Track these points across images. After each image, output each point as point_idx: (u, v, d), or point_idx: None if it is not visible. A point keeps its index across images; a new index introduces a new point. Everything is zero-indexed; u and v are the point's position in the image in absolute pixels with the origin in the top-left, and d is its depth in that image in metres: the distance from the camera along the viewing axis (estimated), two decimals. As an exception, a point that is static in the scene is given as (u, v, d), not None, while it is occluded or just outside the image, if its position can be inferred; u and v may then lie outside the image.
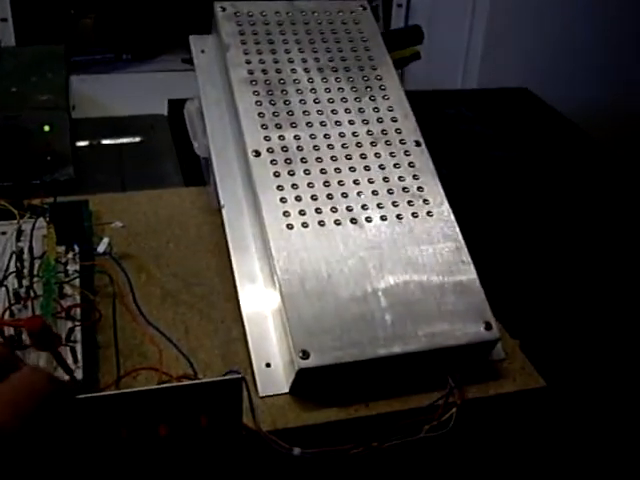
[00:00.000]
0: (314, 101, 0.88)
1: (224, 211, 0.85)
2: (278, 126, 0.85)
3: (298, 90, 0.89)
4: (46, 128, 1.13)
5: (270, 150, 0.83)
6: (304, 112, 0.87)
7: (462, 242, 0.81)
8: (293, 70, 0.91)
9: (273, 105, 0.87)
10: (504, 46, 1.97)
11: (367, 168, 0.84)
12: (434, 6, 2.05)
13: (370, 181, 0.83)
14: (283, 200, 0.80)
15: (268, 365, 0.76)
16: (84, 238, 0.87)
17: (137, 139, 1.27)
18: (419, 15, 2.07)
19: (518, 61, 1.94)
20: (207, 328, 0.82)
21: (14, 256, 0.80)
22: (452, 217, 0.83)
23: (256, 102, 0.87)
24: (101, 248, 0.84)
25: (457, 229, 0.82)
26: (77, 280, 0.82)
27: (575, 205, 1.16)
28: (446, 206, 0.83)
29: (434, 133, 0.96)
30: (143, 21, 2.06)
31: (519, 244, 1.05)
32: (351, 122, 0.87)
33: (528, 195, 1.18)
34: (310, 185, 0.82)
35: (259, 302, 0.80)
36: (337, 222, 0.80)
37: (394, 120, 0.88)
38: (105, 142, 1.26)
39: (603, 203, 1.18)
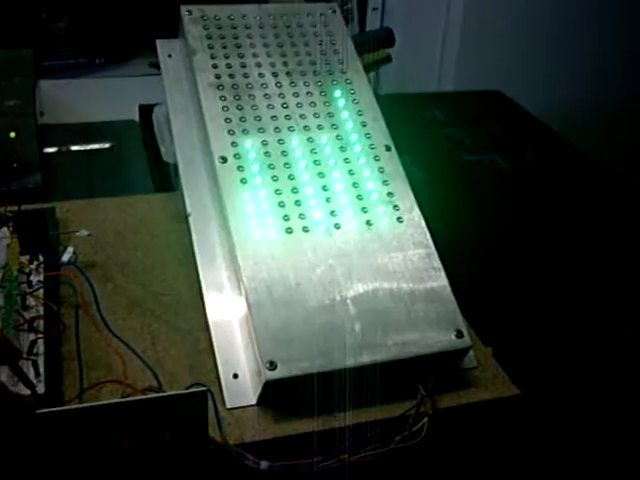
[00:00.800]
0: (282, 106, 0.87)
1: (190, 219, 0.83)
2: (245, 132, 0.84)
3: (266, 95, 0.87)
4: (12, 134, 1.11)
5: (237, 156, 0.82)
6: (272, 117, 0.85)
7: (433, 248, 0.80)
8: (261, 74, 0.89)
9: (240, 110, 0.85)
10: (479, 49, 1.97)
11: (336, 174, 0.82)
12: (409, 10, 2.04)
13: (339, 187, 0.81)
14: (250, 207, 0.78)
15: (235, 376, 0.74)
16: (49, 247, 0.86)
17: (107, 145, 1.25)
18: (395, 19, 2.06)
19: (493, 64, 1.93)
20: (174, 338, 0.81)
21: (-25, 267, 0.78)
22: (423, 223, 0.81)
23: (223, 107, 0.85)
24: (65, 257, 0.82)
25: (428, 235, 0.81)
26: (41, 291, 0.80)
27: (547, 209, 1.15)
28: (417, 212, 0.82)
29: (407, 136, 0.94)
30: (116, 24, 2.04)
31: (492, 249, 1.03)
32: (320, 127, 0.86)
33: (499, 199, 1.16)
34: (278, 192, 0.80)
35: (226, 311, 0.78)
36: (305, 229, 0.78)
37: (363, 124, 0.87)
38: (74, 148, 1.24)
39: (576, 206, 1.17)
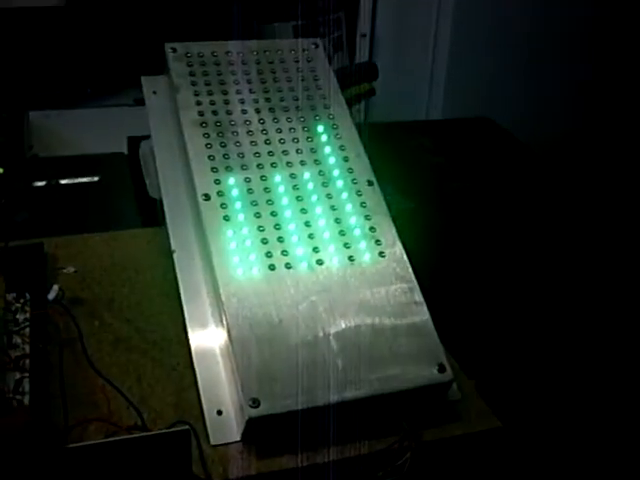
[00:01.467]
0: (265, 142, 0.88)
1: (175, 256, 0.84)
2: (229, 169, 0.84)
3: (249, 131, 0.88)
4: (0, 170, 1.12)
5: (220, 194, 0.82)
6: (255, 154, 0.86)
7: (415, 282, 0.81)
8: (244, 111, 0.90)
9: (224, 147, 0.86)
10: (468, 76, 1.98)
11: (319, 210, 0.83)
12: (398, 36, 2.05)
13: (321, 223, 0.82)
14: (233, 245, 0.79)
15: (220, 412, 0.75)
16: (36, 285, 0.86)
17: (96, 178, 1.26)
18: (383, 45, 2.07)
19: (482, 91, 1.95)
20: (159, 375, 0.81)
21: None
22: (405, 257, 0.82)
23: (206, 145, 0.86)
24: (51, 295, 0.83)
25: (410, 269, 0.82)
26: (27, 329, 0.80)
27: (534, 238, 1.15)
28: (399, 246, 0.83)
29: (394, 165, 0.95)
30: (106, 54, 2.04)
31: (476, 281, 1.04)
32: (303, 163, 0.87)
33: (485, 229, 1.17)
34: (261, 228, 0.81)
35: (210, 348, 0.79)
36: (288, 266, 0.79)
37: (346, 159, 0.88)
38: (63, 182, 1.24)
39: (563, 235, 1.17)
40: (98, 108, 2.02)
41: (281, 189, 0.84)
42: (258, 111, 0.90)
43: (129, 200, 1.21)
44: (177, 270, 0.83)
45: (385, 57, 2.07)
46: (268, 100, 0.92)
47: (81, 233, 1.05)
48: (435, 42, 2.00)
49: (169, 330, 0.86)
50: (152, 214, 1.00)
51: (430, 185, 1.28)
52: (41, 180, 1.25)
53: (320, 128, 0.90)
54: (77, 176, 1.27)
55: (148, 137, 0.94)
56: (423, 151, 1.40)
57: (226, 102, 0.90)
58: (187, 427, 0.66)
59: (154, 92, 0.95)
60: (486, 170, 1.36)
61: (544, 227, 1.20)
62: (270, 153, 0.87)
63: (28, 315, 0.82)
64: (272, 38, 1.03)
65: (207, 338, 0.79)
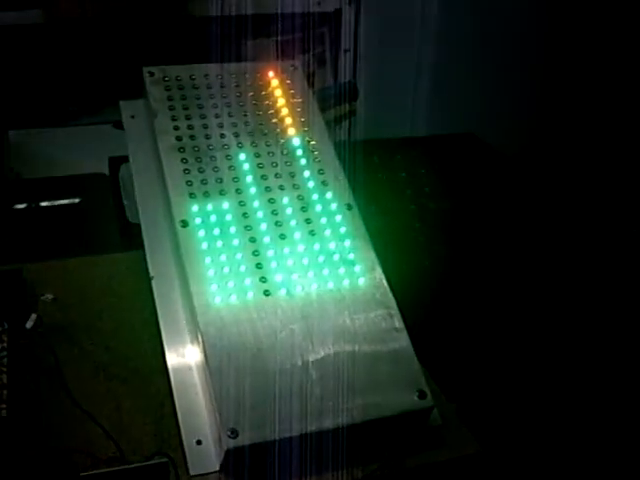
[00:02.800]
0: (243, 167, 0.87)
1: (154, 283, 0.83)
2: (206, 194, 0.84)
3: (227, 156, 0.88)
4: (-21, 195, 1.11)
5: (198, 220, 0.82)
6: (233, 179, 0.86)
7: (395, 308, 0.80)
8: (222, 135, 0.89)
9: (201, 173, 0.86)
10: (452, 90, 1.98)
11: (297, 235, 0.83)
12: (381, 51, 2.05)
13: (300, 249, 0.82)
14: (211, 272, 0.78)
15: (199, 442, 0.74)
16: (15, 313, 0.85)
17: (76, 200, 1.25)
18: (367, 60, 2.06)
19: (466, 106, 1.94)
20: (139, 403, 0.80)
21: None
22: (384, 282, 0.82)
23: (184, 170, 0.85)
24: (29, 324, 0.82)
25: (390, 294, 0.81)
26: (5, 359, 0.79)
27: (514, 257, 1.15)
28: (378, 271, 0.82)
29: (377, 184, 0.95)
30: (90, 72, 2.03)
31: (456, 304, 1.04)
32: (281, 187, 0.86)
33: (466, 249, 1.17)
34: (239, 255, 0.80)
35: (189, 377, 0.79)
36: (267, 293, 0.78)
37: (325, 183, 0.88)
38: (43, 204, 1.23)
39: (544, 259, 1.17)
40: (81, 126, 2.00)
41: (260, 214, 0.83)
42: (237, 135, 0.90)
43: (110, 223, 1.20)
44: (155, 297, 0.83)
45: (369, 72, 2.07)
46: (247, 124, 0.91)
47: (61, 257, 1.03)
48: (419, 57, 1.99)
49: (149, 357, 0.85)
50: (132, 237, 0.99)
51: (410, 205, 1.28)
52: (21, 203, 1.23)
53: (299, 152, 0.89)
54: (57, 198, 1.26)
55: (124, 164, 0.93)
56: (405, 169, 1.40)
57: (204, 126, 0.90)
58: (165, 460, 0.65)
59: (132, 116, 0.95)
60: (468, 188, 1.35)
61: (527, 248, 1.20)
62: (248, 178, 0.86)
63: (6, 344, 0.80)
64: (254, 55, 1.02)
65: (186, 367, 0.79)
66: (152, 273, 0.84)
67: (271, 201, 0.85)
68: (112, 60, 1.92)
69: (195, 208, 0.82)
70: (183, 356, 0.79)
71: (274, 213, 0.84)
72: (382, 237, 0.86)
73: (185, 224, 0.81)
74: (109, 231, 1.19)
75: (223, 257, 0.80)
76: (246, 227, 0.83)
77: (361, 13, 2.05)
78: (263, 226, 0.83)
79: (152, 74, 0.94)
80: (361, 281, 0.81)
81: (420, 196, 1.32)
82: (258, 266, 0.80)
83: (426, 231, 1.21)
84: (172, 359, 0.79)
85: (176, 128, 0.90)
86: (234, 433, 0.69)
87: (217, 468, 0.73)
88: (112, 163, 1.29)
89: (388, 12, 2.02)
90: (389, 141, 1.58)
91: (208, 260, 0.79)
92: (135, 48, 1.85)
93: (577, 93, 1.94)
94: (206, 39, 1.17)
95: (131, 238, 1.03)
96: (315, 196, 0.86)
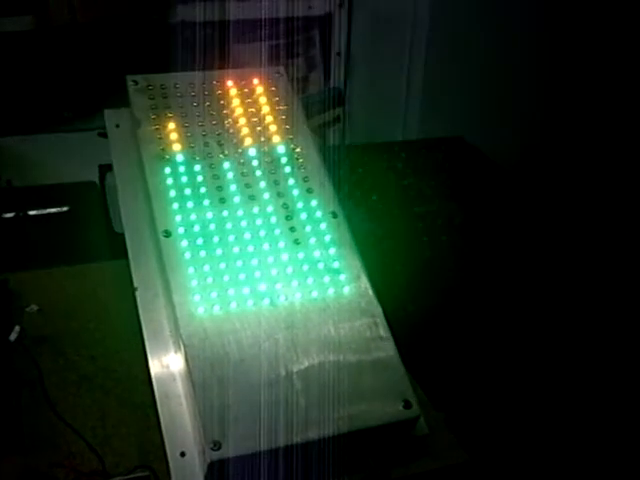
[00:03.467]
0: (227, 175, 0.86)
1: (137, 294, 0.82)
2: (190, 204, 0.84)
3: (211, 165, 0.87)
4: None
5: (181, 230, 0.81)
6: (217, 187, 0.85)
7: (381, 316, 0.80)
8: (206, 143, 0.89)
9: (185, 182, 0.85)
10: (443, 92, 1.97)
11: (282, 244, 0.82)
12: (373, 54, 2.04)
13: (285, 258, 0.81)
14: (194, 283, 0.78)
15: (183, 454, 0.74)
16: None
17: (65, 208, 1.24)
18: (358, 63, 2.06)
19: (457, 110, 1.94)
20: (123, 415, 0.80)
21: None
22: (370, 290, 0.81)
23: (167, 180, 0.84)
24: (13, 337, 0.81)
25: (375, 302, 0.81)
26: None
27: (504, 263, 1.15)
28: (363, 279, 0.82)
29: (367, 189, 0.94)
30: (84, 77, 2.03)
31: (446, 312, 1.03)
32: (265, 196, 0.86)
33: (456, 254, 1.16)
34: (223, 265, 0.80)
35: (173, 388, 0.78)
36: (250, 303, 0.78)
37: (310, 191, 0.87)
38: (32, 213, 1.23)
39: (534, 265, 1.17)
40: (75, 132, 1.99)
41: (243, 223, 0.82)
42: (221, 144, 0.89)
43: (100, 231, 1.20)
44: (139, 308, 0.82)
45: (360, 75, 2.06)
46: (230, 132, 0.90)
47: (49, 266, 1.03)
48: (410, 59, 1.99)
49: (134, 367, 0.85)
50: (120, 246, 0.99)
51: (400, 209, 1.27)
52: (9, 211, 1.23)
53: (283, 159, 0.89)
54: (46, 207, 1.25)
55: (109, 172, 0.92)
56: (395, 173, 1.39)
57: (188, 135, 0.89)
58: (148, 473, 0.65)
59: (117, 125, 0.94)
60: (458, 192, 1.35)
61: (516, 253, 1.19)
62: (233, 187, 0.86)
63: (-11, 357, 0.80)
64: (245, 60, 1.01)
65: (170, 377, 0.78)
66: (136, 284, 0.83)
67: (255, 210, 0.85)
68: (104, 66, 1.91)
69: (178, 218, 0.82)
70: (167, 367, 0.79)
71: (258, 222, 0.84)
72: (371, 242, 0.85)
73: (168, 234, 0.81)
74: (98, 239, 1.18)
75: (206, 267, 0.79)
76: (230, 236, 0.82)
77: (352, 16, 2.04)
78: (247, 235, 0.82)
79: (136, 83, 0.93)
80: (346, 290, 0.80)
81: (408, 200, 1.31)
82: (242, 276, 0.79)
83: (415, 237, 1.20)
84: (156, 370, 0.79)
85: (160, 137, 0.88)
86: (217, 445, 0.69)
87: (201, 480, 0.72)
88: (102, 170, 1.28)
89: (379, 15, 2.01)
90: (378, 145, 1.57)
91: (191, 270, 0.79)
92: (127, 53, 1.84)
93: (567, 97, 1.94)
94: (196, 44, 1.17)
95: (118, 247, 1.02)
96: (300, 204, 0.86)
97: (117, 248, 1.06)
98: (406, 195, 1.26)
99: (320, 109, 1.10)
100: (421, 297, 1.01)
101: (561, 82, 2.02)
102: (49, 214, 1.22)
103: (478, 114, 1.93)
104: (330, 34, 2.10)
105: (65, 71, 1.93)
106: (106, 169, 1.21)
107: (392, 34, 2.02)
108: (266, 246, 0.82)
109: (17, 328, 0.82)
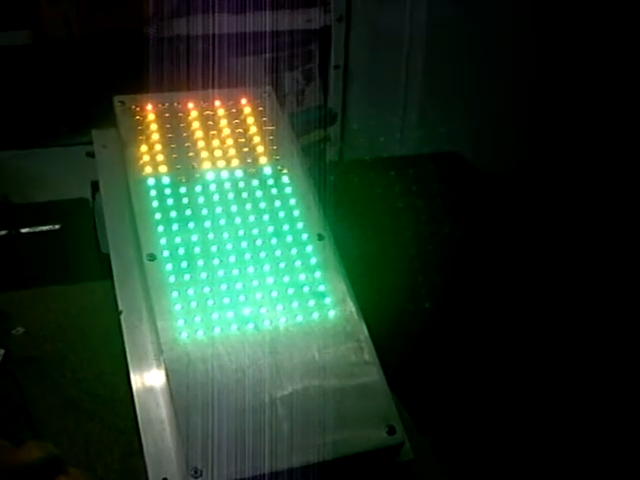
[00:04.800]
0: (213, 199, 0.86)
1: (122, 317, 0.82)
2: (175, 227, 0.83)
3: (197, 187, 0.87)
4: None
5: (166, 253, 0.81)
6: (203, 210, 0.85)
7: (366, 340, 0.79)
8: (192, 165, 0.88)
9: (170, 205, 0.84)
10: (440, 107, 1.97)
11: (267, 268, 0.81)
12: (371, 67, 2.04)
13: (270, 282, 0.81)
14: (178, 307, 0.77)
15: (165, 481, 0.73)
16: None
17: (57, 226, 1.24)
18: (357, 77, 2.06)
19: (454, 125, 1.94)
20: (108, 439, 0.80)
21: None
22: (355, 314, 0.80)
23: (152, 202, 0.84)
24: (-3, 360, 0.81)
25: (362, 326, 0.80)
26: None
27: (500, 279, 1.14)
28: (349, 302, 0.81)
29: (361, 207, 0.93)
30: (80, 92, 2.03)
31: (434, 335, 1.02)
32: (251, 218, 0.85)
33: (451, 272, 1.15)
34: (207, 290, 0.79)
35: (156, 413, 0.77)
36: (235, 327, 0.77)
37: (296, 213, 0.87)
38: (24, 231, 1.22)
39: (529, 286, 1.16)
40: (72, 146, 1.99)
41: (229, 247, 0.82)
42: (207, 165, 0.88)
43: (91, 250, 1.19)
44: (124, 331, 0.81)
45: (358, 89, 2.06)
46: (218, 153, 0.89)
47: (40, 285, 1.03)
48: (407, 72, 1.99)
49: (119, 390, 0.84)
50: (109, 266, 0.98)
51: (396, 228, 1.26)
52: (1, 229, 1.23)
53: (270, 181, 0.88)
54: (38, 224, 1.25)
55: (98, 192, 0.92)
56: (390, 191, 1.38)
57: (175, 157, 0.88)
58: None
59: (104, 146, 0.93)
60: (453, 210, 1.34)
61: (508, 272, 1.18)
62: (219, 210, 0.85)
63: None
64: (241, 73, 1.01)
65: (153, 403, 0.77)
66: (121, 307, 0.82)
67: (240, 232, 0.84)
68: (100, 80, 1.91)
69: (163, 241, 0.81)
70: (150, 391, 0.78)
71: (243, 245, 0.83)
72: (364, 261, 0.84)
73: (153, 257, 0.80)
74: (90, 258, 1.17)
75: (191, 291, 0.78)
76: (214, 260, 0.81)
77: (351, 30, 2.04)
78: (232, 258, 0.81)
79: (123, 103, 0.92)
80: (331, 313, 0.80)
81: (408, 219, 1.30)
82: (226, 301, 0.79)
83: (406, 256, 1.19)
84: (139, 394, 0.78)
85: (146, 159, 0.88)
86: (197, 473, 0.68)
87: (184, 508, 0.71)
88: (94, 187, 1.27)
89: (377, 29, 2.01)
90: (372, 161, 1.57)
91: (175, 294, 0.78)
92: (122, 68, 1.84)
93: (560, 112, 1.94)
94: (190, 59, 1.16)
95: (108, 267, 1.01)
96: (286, 226, 0.85)
97: (106, 268, 1.05)
98: (403, 214, 1.25)
99: (310, 128, 1.09)
100: (410, 321, 1.00)
101: (555, 95, 2.02)
102: (41, 232, 1.21)
103: (475, 128, 1.92)
104: (328, 48, 2.09)
105: (61, 85, 1.92)
106: (98, 186, 1.19)
107: (390, 48, 2.02)
108: (251, 269, 0.81)
109: (1, 351, 0.81)
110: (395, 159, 1.72)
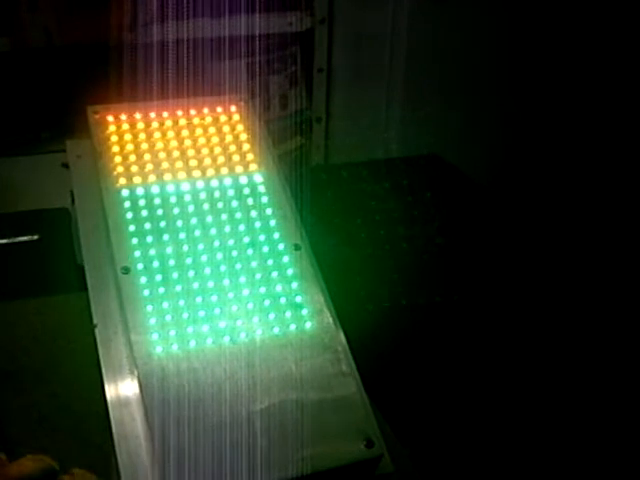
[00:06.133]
0: (188, 209, 0.85)
1: (96, 330, 0.81)
2: (150, 240, 0.82)
3: (172, 198, 0.85)
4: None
5: (140, 266, 0.80)
6: (177, 221, 0.84)
7: (344, 351, 0.79)
8: (167, 176, 0.87)
9: (144, 217, 0.83)
10: (422, 112, 1.97)
11: (243, 279, 0.80)
12: (355, 71, 2.04)
13: (246, 293, 0.80)
14: (153, 321, 0.76)
15: (141, 497, 0.72)
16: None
17: (36, 237, 1.23)
18: (340, 80, 2.05)
19: (437, 127, 1.94)
20: (83, 458, 0.79)
21: None
22: (333, 325, 0.80)
23: (127, 215, 0.83)
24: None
25: (340, 337, 0.80)
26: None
27: (474, 296, 1.13)
28: (327, 313, 0.80)
29: (342, 212, 0.92)
30: (61, 98, 2.02)
31: (413, 344, 1.02)
32: (227, 229, 0.84)
33: (432, 279, 1.15)
34: (182, 303, 0.78)
35: (132, 428, 0.76)
36: (210, 341, 0.76)
37: (272, 223, 0.86)
38: (2, 242, 1.21)
39: (508, 293, 1.15)
40: (54, 154, 1.98)
41: (204, 258, 0.81)
42: (182, 176, 0.87)
43: (71, 261, 1.18)
44: (98, 345, 0.80)
45: (342, 91, 2.06)
46: (194, 164, 0.88)
47: (18, 297, 1.01)
48: (390, 75, 1.98)
49: (97, 404, 0.83)
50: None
51: (376, 234, 1.26)
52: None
53: (246, 190, 0.87)
54: (16, 235, 1.23)
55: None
56: (371, 195, 1.38)
57: (149, 170, 0.88)
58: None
59: (78, 156, 0.92)
60: (434, 213, 1.33)
61: (490, 277, 1.17)
62: (193, 221, 0.84)
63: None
64: (223, 78, 1.00)
65: (129, 418, 0.77)
66: (95, 320, 0.81)
67: (216, 244, 0.83)
68: (81, 87, 1.90)
69: (137, 253, 0.80)
70: (126, 406, 0.77)
71: (219, 256, 0.82)
72: (340, 268, 0.83)
73: (126, 270, 0.79)
74: (69, 270, 1.16)
75: (165, 304, 0.77)
76: (189, 272, 0.80)
77: (333, 32, 2.03)
78: (207, 270, 0.80)
79: (97, 113, 0.91)
80: (308, 325, 0.79)
81: (389, 223, 1.30)
82: (202, 313, 0.78)
83: (386, 260, 1.19)
84: (114, 410, 0.77)
85: (120, 171, 0.87)
86: (173, 491, 0.67)
87: (160, 527, 0.70)
88: (73, 197, 1.26)
89: (359, 31, 2.01)
90: (351, 165, 1.56)
91: (150, 308, 0.77)
92: (103, 76, 1.82)
93: (542, 113, 1.94)
94: (169, 64, 1.15)
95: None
96: (262, 237, 0.84)
97: (83, 281, 1.04)
98: (384, 219, 1.25)
99: (291, 134, 1.08)
100: (390, 329, 0.99)
101: (537, 97, 2.02)
102: (19, 242, 1.19)
103: (458, 130, 1.92)
104: (312, 50, 2.09)
105: (41, 93, 1.91)
106: (74, 197, 1.18)
107: (373, 50, 2.02)
108: (227, 281, 0.80)
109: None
110: (373, 163, 1.71)
